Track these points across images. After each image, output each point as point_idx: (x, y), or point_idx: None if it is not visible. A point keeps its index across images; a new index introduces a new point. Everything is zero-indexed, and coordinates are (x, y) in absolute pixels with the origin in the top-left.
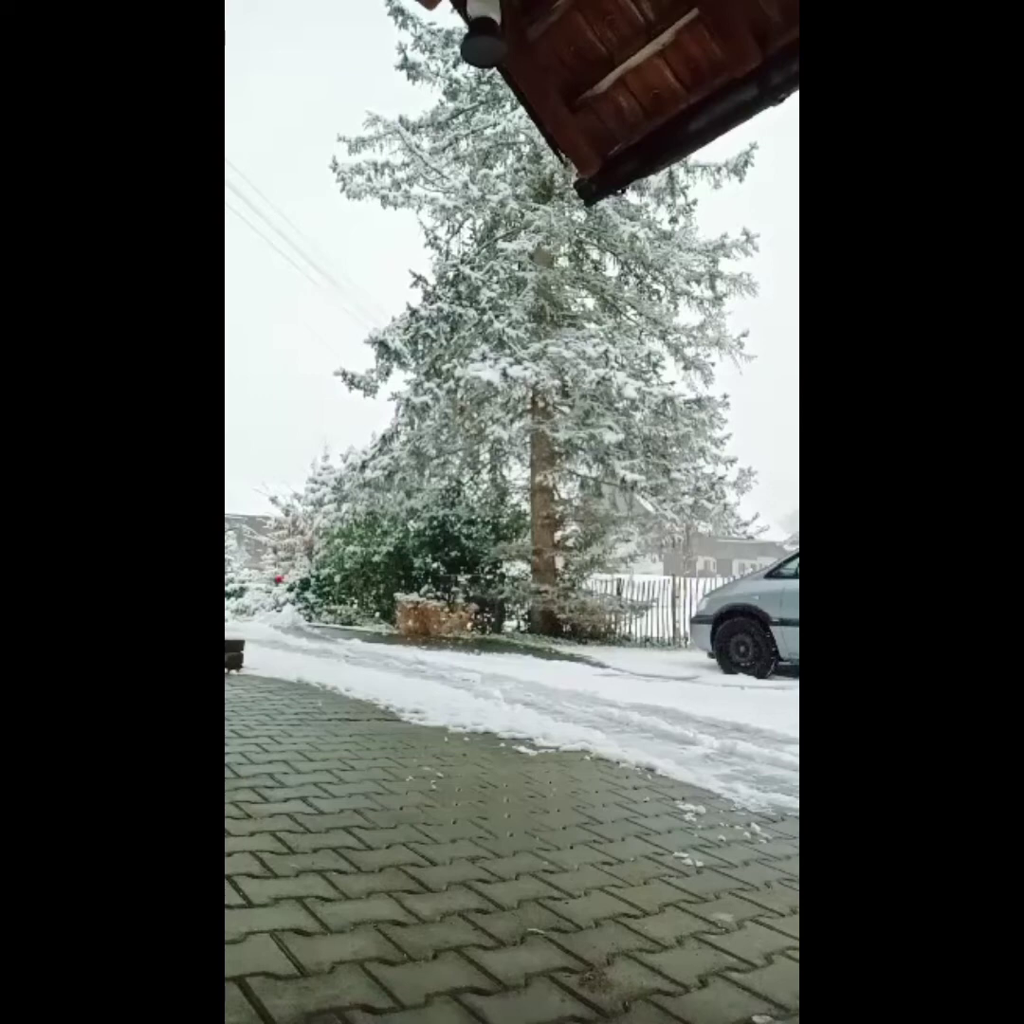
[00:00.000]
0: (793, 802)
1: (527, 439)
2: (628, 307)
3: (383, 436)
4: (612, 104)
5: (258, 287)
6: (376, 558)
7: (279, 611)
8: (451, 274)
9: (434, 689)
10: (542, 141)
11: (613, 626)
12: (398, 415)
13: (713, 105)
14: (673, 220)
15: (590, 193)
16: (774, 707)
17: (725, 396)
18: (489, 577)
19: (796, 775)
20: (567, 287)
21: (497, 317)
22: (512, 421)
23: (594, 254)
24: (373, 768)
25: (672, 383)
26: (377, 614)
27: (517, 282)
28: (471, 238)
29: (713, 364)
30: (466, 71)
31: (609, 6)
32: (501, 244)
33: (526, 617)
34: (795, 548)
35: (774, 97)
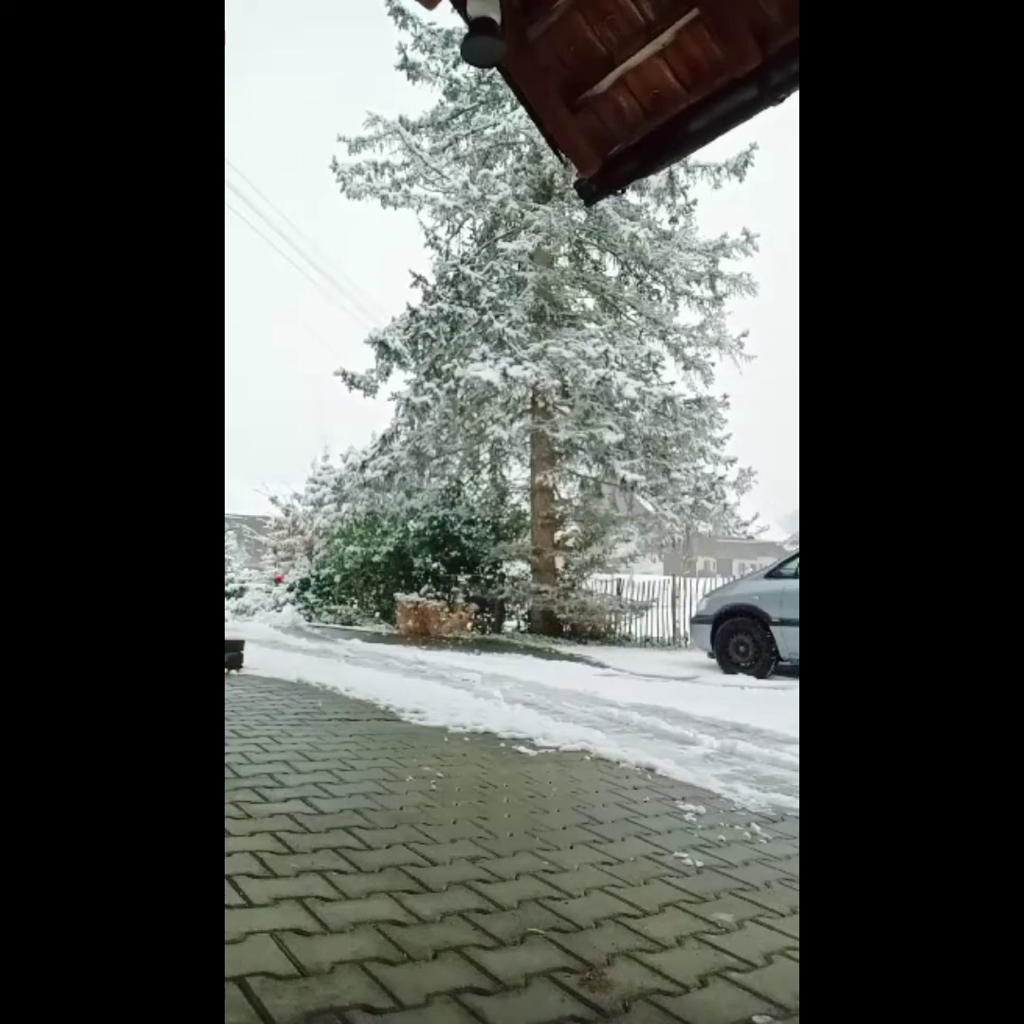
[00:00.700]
0: (793, 802)
1: (527, 439)
2: (628, 307)
3: (383, 436)
4: (612, 104)
5: (258, 287)
6: (376, 558)
7: (279, 611)
8: (451, 274)
9: (434, 689)
10: (542, 141)
11: (613, 626)
12: (398, 415)
13: (713, 105)
14: (673, 220)
15: (590, 193)
16: (774, 707)
17: (725, 396)
18: (489, 577)
19: (796, 775)
20: (567, 287)
21: (497, 317)
22: (512, 421)
23: (594, 254)
24: (373, 768)
25: (672, 383)
26: (377, 614)
27: (517, 282)
28: (471, 238)
29: (713, 364)
30: (466, 71)
31: (609, 6)
32: (501, 244)
33: (526, 617)
34: (795, 548)
35: (774, 97)
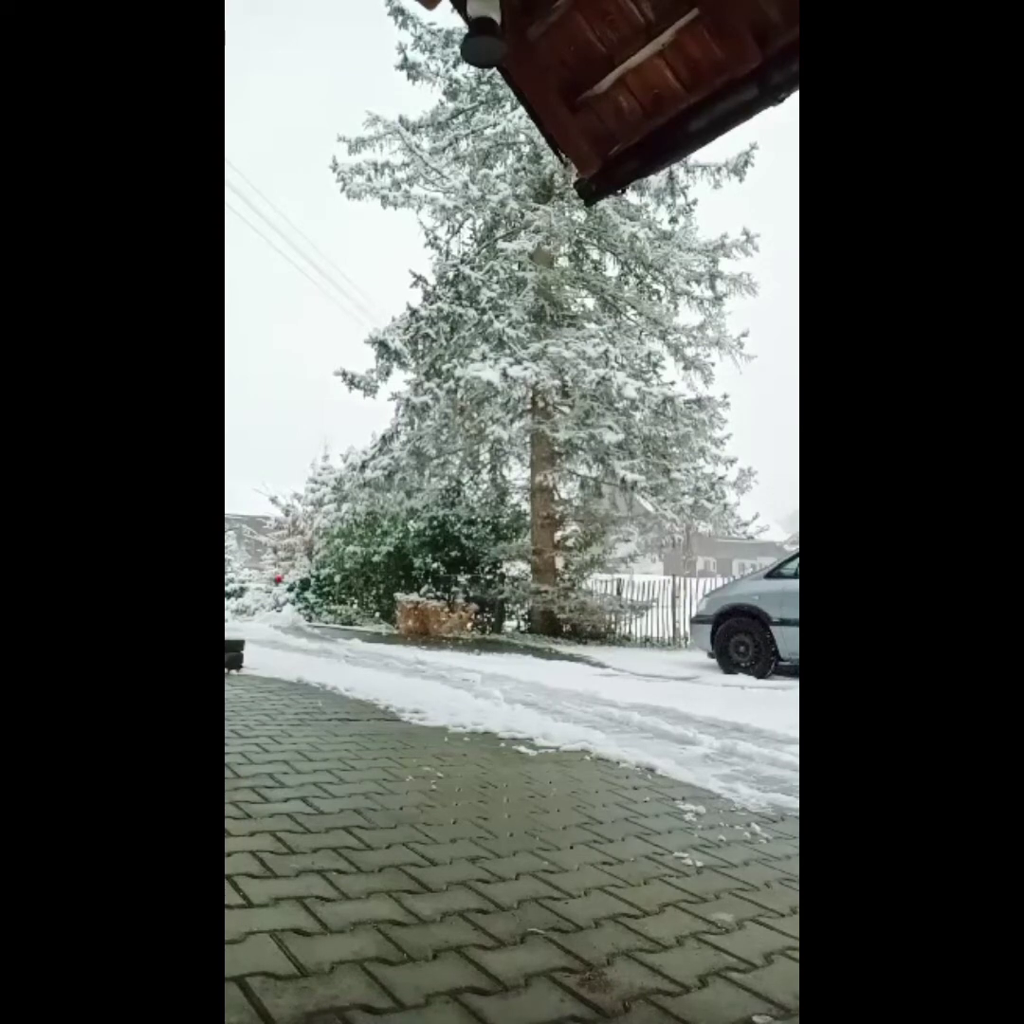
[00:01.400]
0: (793, 802)
1: (527, 439)
2: (628, 307)
3: (383, 436)
4: (612, 104)
5: (258, 287)
6: (376, 558)
7: (279, 611)
8: (451, 274)
9: (434, 689)
10: (542, 141)
11: (613, 626)
12: (398, 415)
13: (713, 105)
14: (673, 220)
15: (590, 193)
16: (774, 707)
17: (725, 396)
18: (489, 577)
19: (796, 775)
20: (567, 287)
21: (497, 317)
22: (512, 421)
23: (594, 254)
24: (373, 768)
25: (672, 383)
26: (377, 614)
27: (517, 282)
28: (471, 238)
29: (713, 364)
30: (466, 71)
31: (609, 6)
32: (501, 244)
33: (526, 617)
34: (795, 548)
35: (774, 97)
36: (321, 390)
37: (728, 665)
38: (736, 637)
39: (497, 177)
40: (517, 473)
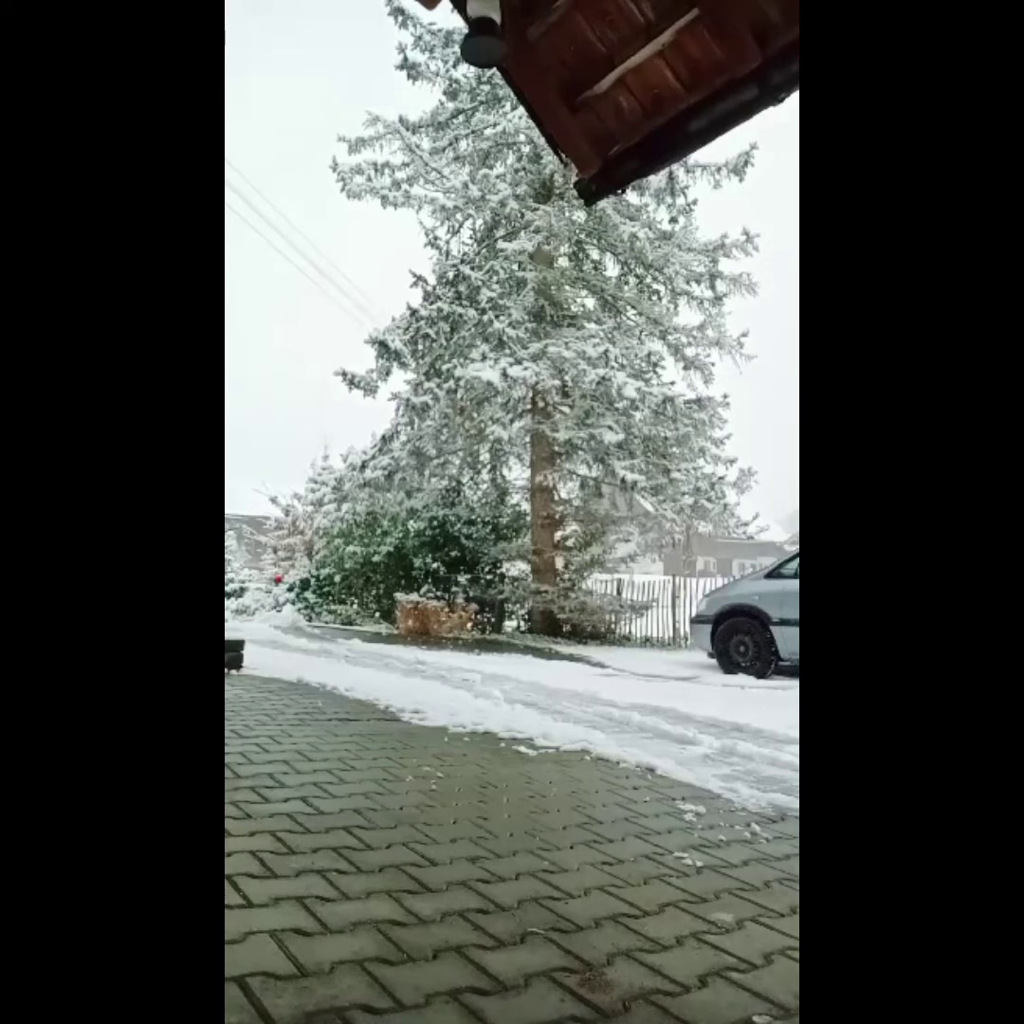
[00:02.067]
0: (793, 802)
1: (527, 439)
2: (628, 307)
3: (383, 436)
4: (612, 104)
5: (258, 287)
6: (376, 558)
7: (279, 611)
8: (451, 274)
9: (434, 689)
10: (542, 141)
11: (613, 626)
12: (398, 415)
13: (713, 105)
14: (673, 220)
15: (590, 193)
16: (774, 707)
17: (725, 396)
18: (489, 577)
19: (796, 775)
20: (567, 287)
21: (497, 317)
22: (512, 421)
23: (594, 254)
24: (373, 768)
25: (672, 383)
26: (377, 614)
27: (517, 282)
28: (471, 238)
29: (713, 364)
30: (466, 71)
31: (609, 6)
32: (501, 244)
33: (526, 617)
34: (795, 548)
35: (774, 97)
36: (321, 390)
37: (728, 665)
38: (736, 637)
39: (497, 177)
40: (517, 473)
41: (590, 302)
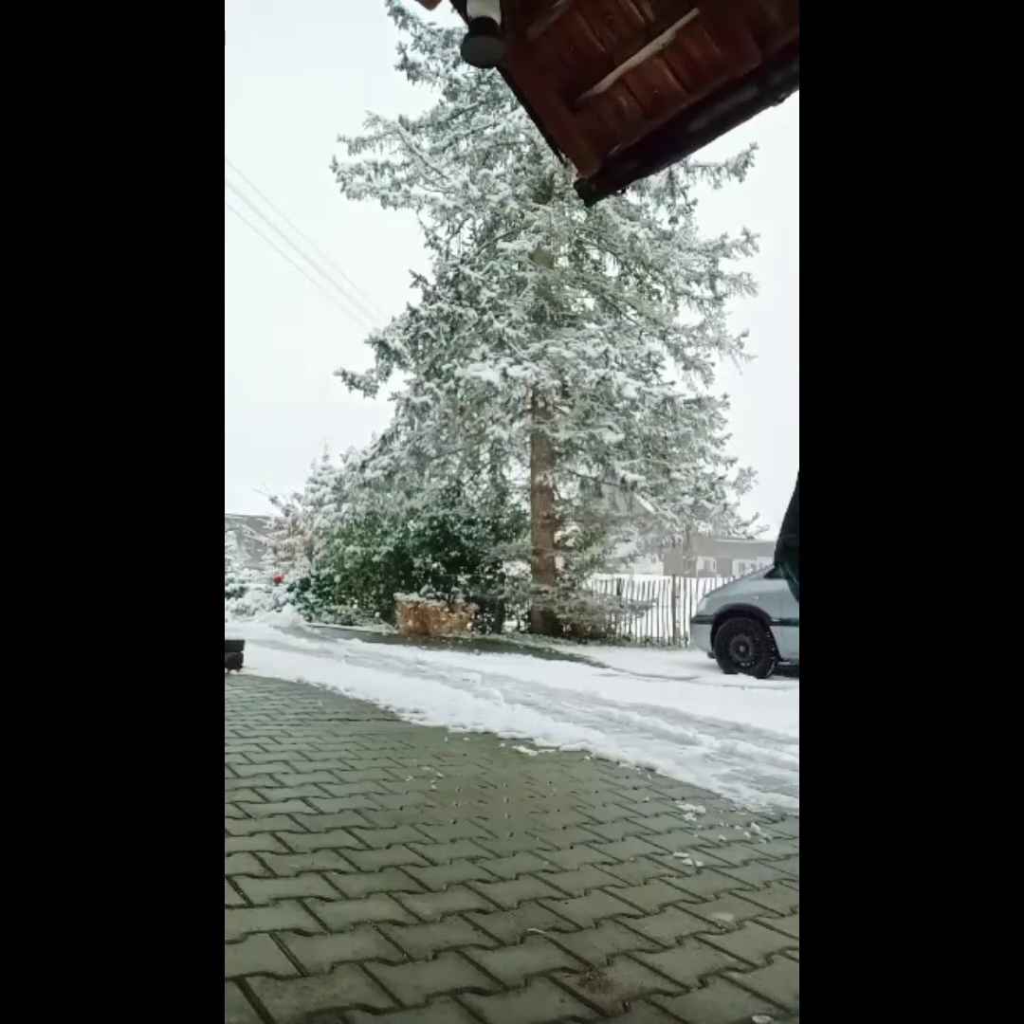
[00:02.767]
0: (793, 802)
1: (527, 439)
2: (628, 307)
3: (383, 436)
4: (612, 104)
5: (258, 287)
6: (376, 558)
7: (279, 611)
8: (451, 274)
9: (434, 689)
10: (542, 141)
11: (613, 626)
12: (398, 415)
13: (713, 105)
14: (673, 220)
15: (590, 193)
16: (774, 707)
17: (725, 396)
18: (489, 577)
19: (796, 775)
20: (567, 287)
21: (497, 317)
22: (512, 421)
23: (594, 254)
24: (373, 768)
25: (672, 383)
26: (377, 614)
27: (517, 282)
28: (471, 238)
29: (713, 364)
30: (466, 71)
31: (609, 6)
32: (501, 244)
33: (526, 617)
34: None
35: (774, 97)
36: (321, 390)
37: (728, 665)
38: (736, 637)
39: (497, 177)
40: (517, 473)
41: (590, 302)
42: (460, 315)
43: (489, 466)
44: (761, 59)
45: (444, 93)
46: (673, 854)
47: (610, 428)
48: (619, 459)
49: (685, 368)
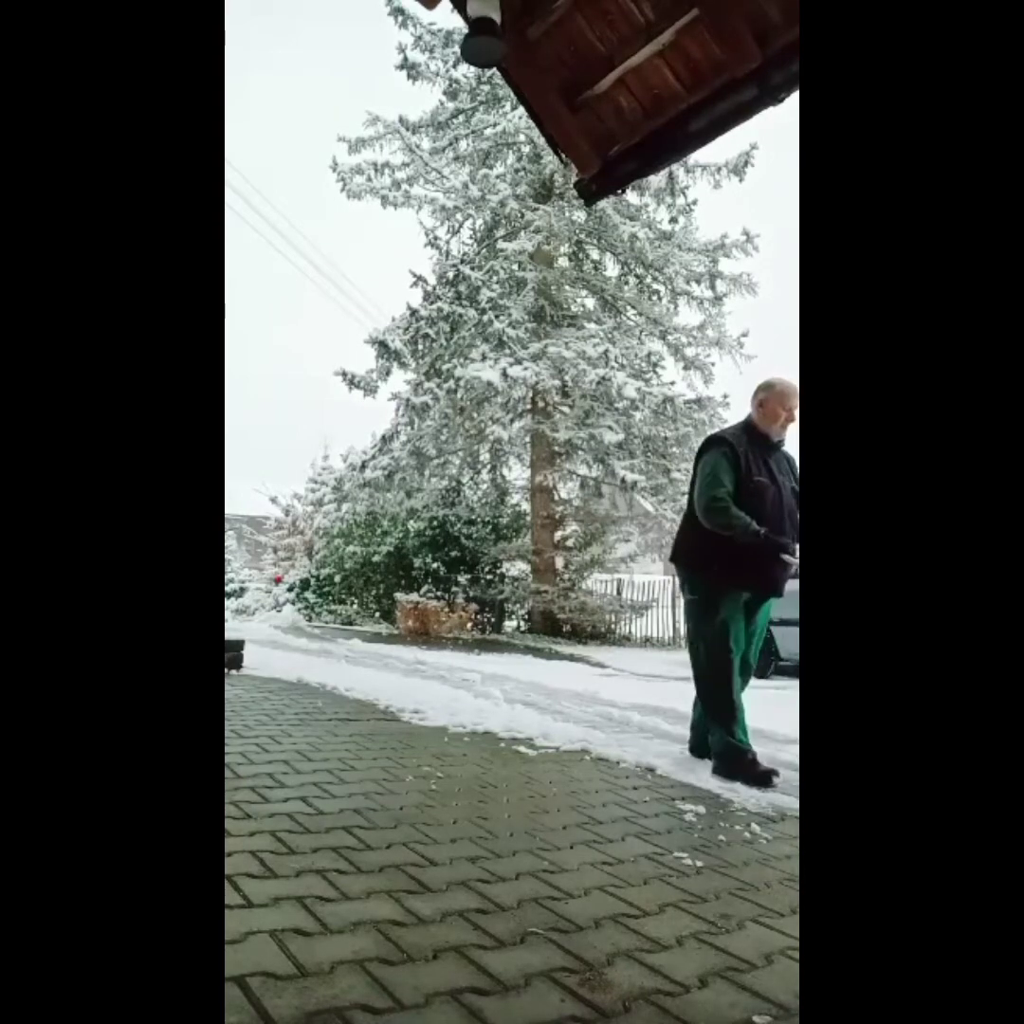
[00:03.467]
0: (793, 802)
1: (527, 439)
2: (628, 307)
3: (383, 436)
4: (612, 104)
5: (258, 287)
6: (376, 558)
7: (279, 611)
8: (451, 274)
9: (434, 689)
10: (542, 141)
11: (613, 626)
12: (398, 415)
13: (713, 105)
14: (673, 220)
15: (590, 193)
16: (774, 707)
17: (725, 396)
18: (489, 577)
19: (796, 775)
20: (567, 287)
21: (497, 317)
22: (512, 421)
23: (594, 254)
24: (373, 768)
25: (672, 383)
26: (377, 614)
27: (517, 282)
28: (471, 238)
29: (713, 364)
30: (466, 71)
31: (609, 6)
32: (501, 244)
33: (526, 617)
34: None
35: (774, 97)
36: (321, 390)
37: None
38: None
39: (497, 177)
40: (517, 473)
41: (590, 302)
42: (460, 315)
43: (489, 466)
44: (761, 59)
45: (444, 93)
46: (673, 854)
47: (610, 428)
48: (619, 459)
49: (685, 368)
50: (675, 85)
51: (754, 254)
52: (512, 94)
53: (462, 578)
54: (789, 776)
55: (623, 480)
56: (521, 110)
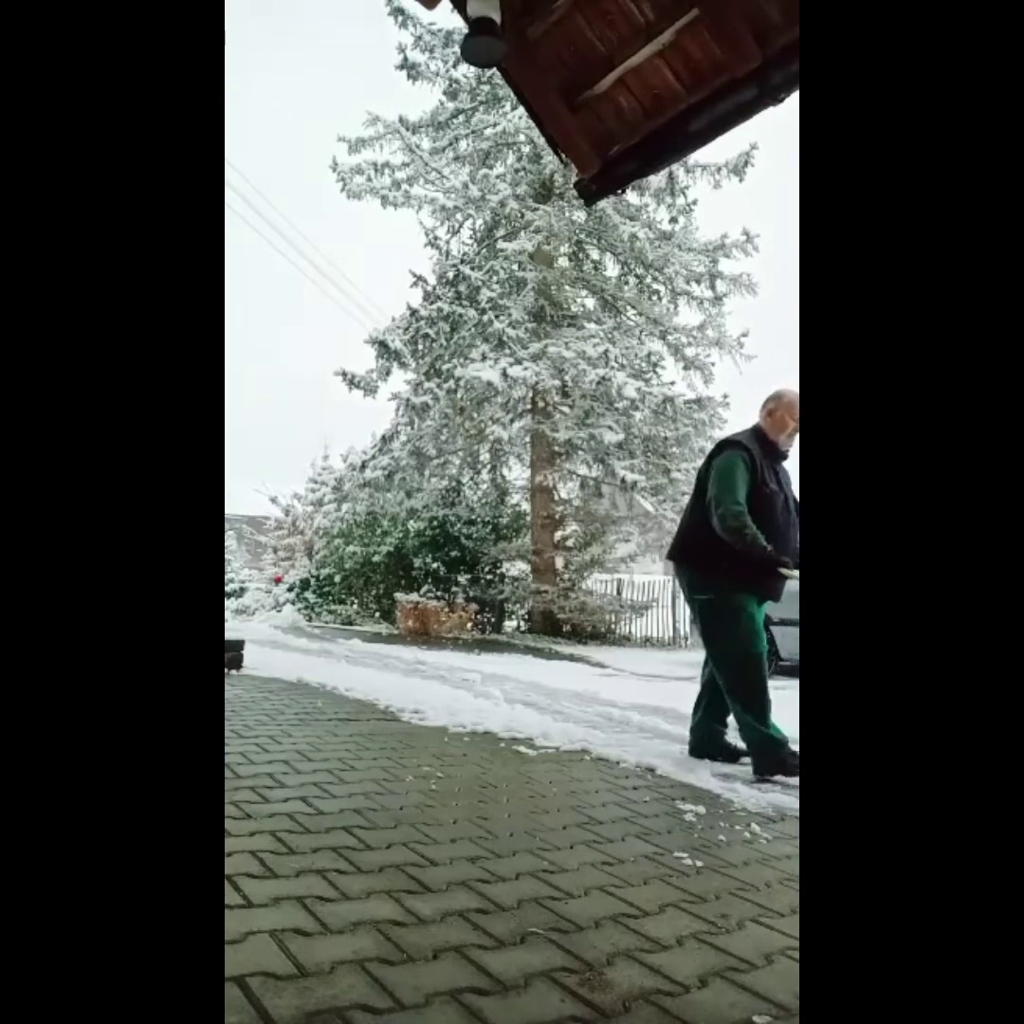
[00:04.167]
0: (793, 802)
1: (527, 439)
2: (628, 307)
3: (383, 436)
4: (612, 104)
5: (258, 287)
6: (376, 558)
7: (279, 611)
8: (451, 274)
9: (434, 689)
10: (542, 141)
11: (613, 626)
12: (398, 415)
13: (713, 105)
14: (673, 220)
15: (590, 193)
16: (774, 707)
17: (725, 396)
18: (489, 577)
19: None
20: (567, 287)
21: (497, 317)
22: (512, 421)
23: (594, 254)
24: (373, 768)
25: (672, 383)
26: (377, 614)
27: (517, 282)
28: (471, 238)
29: (713, 364)
30: (466, 71)
31: (609, 6)
32: (501, 244)
33: (526, 617)
34: None
35: (774, 97)
36: (321, 390)
37: None
38: None
39: (497, 177)
40: (517, 473)
41: (590, 302)
42: (460, 315)
43: (489, 466)
44: (761, 59)
45: (444, 93)
46: (673, 854)
47: (610, 428)
48: (619, 459)
49: (685, 368)
50: (675, 85)
51: (754, 254)
52: (512, 94)
53: (462, 578)
54: None
55: (623, 480)
56: (521, 110)
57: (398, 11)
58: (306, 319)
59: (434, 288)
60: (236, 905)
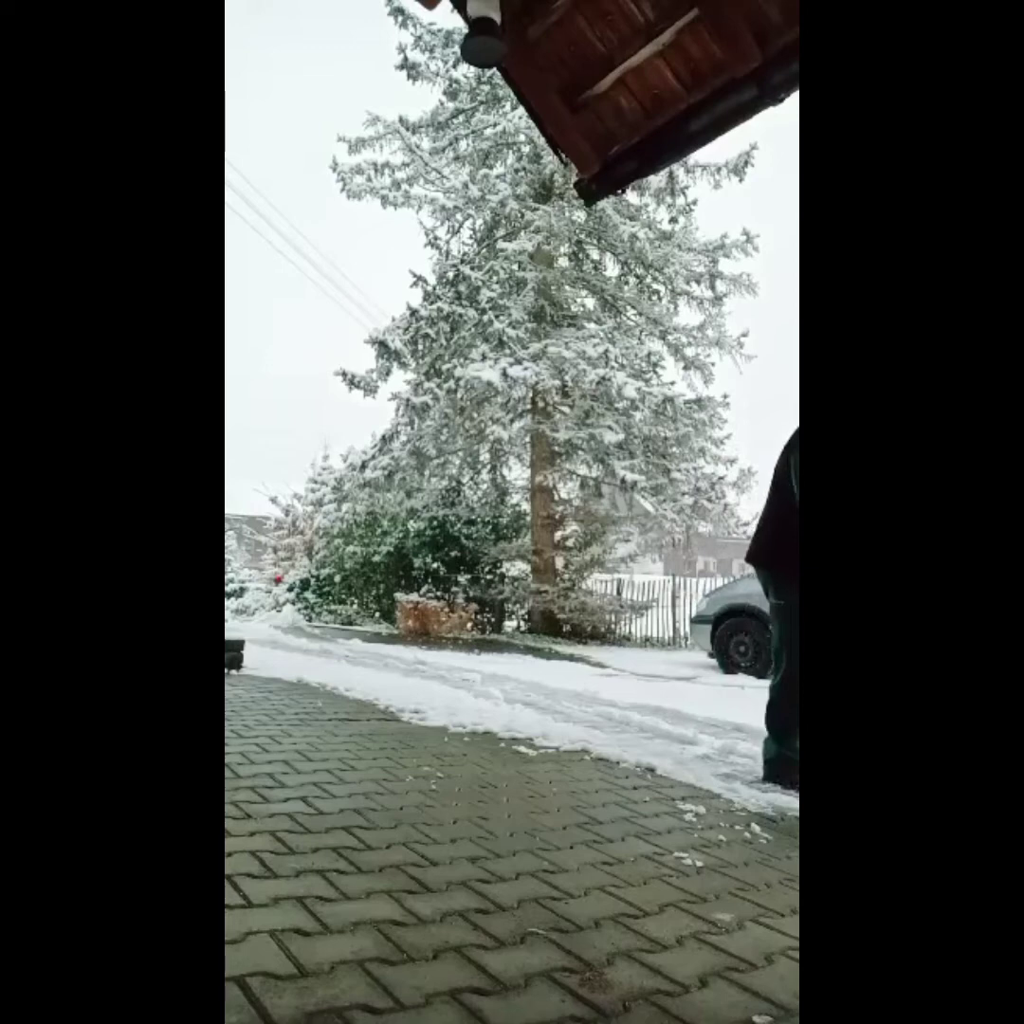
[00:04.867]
0: (793, 802)
1: (527, 439)
2: (628, 307)
3: (383, 436)
4: (612, 104)
5: (258, 287)
6: (376, 558)
7: (279, 611)
8: (451, 274)
9: (434, 689)
10: (542, 141)
11: (613, 626)
12: (398, 415)
13: (713, 105)
14: (673, 220)
15: (590, 193)
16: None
17: (725, 396)
18: (489, 577)
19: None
20: (567, 287)
21: (497, 317)
22: (512, 421)
23: (594, 254)
24: (373, 768)
25: (672, 383)
26: (377, 614)
27: (517, 282)
28: (471, 238)
29: (713, 364)
30: (466, 71)
31: (609, 6)
32: (501, 244)
33: (526, 617)
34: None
35: (774, 97)
36: (321, 390)
37: (728, 665)
38: (736, 637)
39: (497, 177)
40: (517, 473)
41: (590, 302)
42: (460, 315)
43: (489, 466)
44: (761, 59)
45: (444, 93)
46: (673, 854)
47: (610, 428)
48: (619, 459)
49: (685, 368)
50: (675, 85)
51: (754, 254)
52: (512, 94)
53: (462, 578)
54: None
55: (623, 480)
56: (521, 110)
57: (398, 11)
58: (306, 319)
59: (434, 288)
60: (236, 905)
